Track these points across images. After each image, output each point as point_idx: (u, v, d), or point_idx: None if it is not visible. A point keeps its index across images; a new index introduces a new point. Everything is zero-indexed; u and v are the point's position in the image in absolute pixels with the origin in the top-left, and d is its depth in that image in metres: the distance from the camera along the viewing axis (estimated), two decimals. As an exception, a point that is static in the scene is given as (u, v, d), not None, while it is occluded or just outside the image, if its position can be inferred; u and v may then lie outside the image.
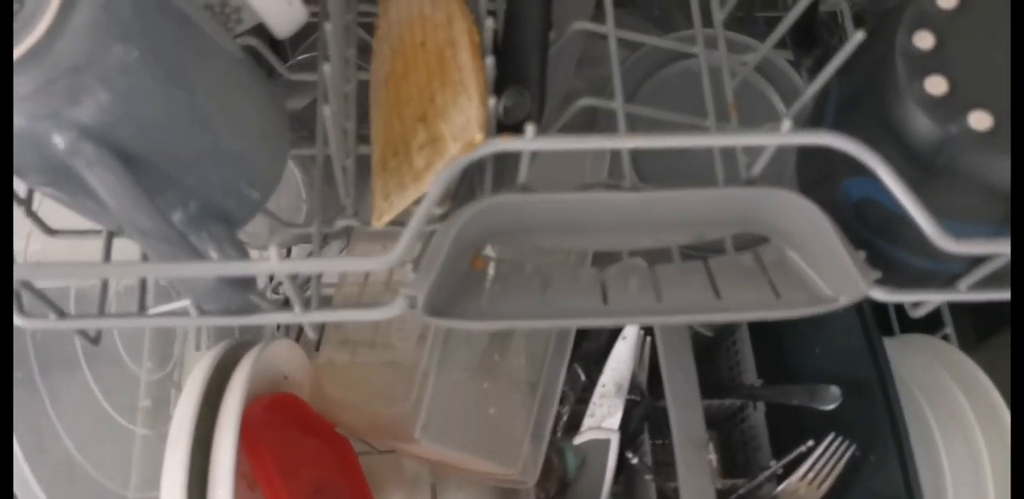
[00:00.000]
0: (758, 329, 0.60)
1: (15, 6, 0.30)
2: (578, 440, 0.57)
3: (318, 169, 0.42)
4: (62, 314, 0.35)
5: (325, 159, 0.42)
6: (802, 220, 0.35)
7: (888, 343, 0.53)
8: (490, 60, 0.38)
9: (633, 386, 0.56)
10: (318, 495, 0.60)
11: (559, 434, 0.58)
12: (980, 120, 0.30)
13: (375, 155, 0.43)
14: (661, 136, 0.32)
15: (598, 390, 0.56)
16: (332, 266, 0.32)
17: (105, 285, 0.38)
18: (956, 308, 0.60)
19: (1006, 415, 0.50)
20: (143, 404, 0.61)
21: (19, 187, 0.39)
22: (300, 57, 0.63)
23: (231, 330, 0.71)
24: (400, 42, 0.42)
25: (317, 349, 0.67)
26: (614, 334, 0.57)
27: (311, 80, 0.45)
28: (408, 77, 0.41)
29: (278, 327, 0.74)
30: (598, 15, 0.46)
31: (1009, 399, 0.49)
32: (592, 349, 0.58)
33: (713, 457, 0.51)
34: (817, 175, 0.38)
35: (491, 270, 0.39)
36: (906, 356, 0.53)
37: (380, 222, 0.40)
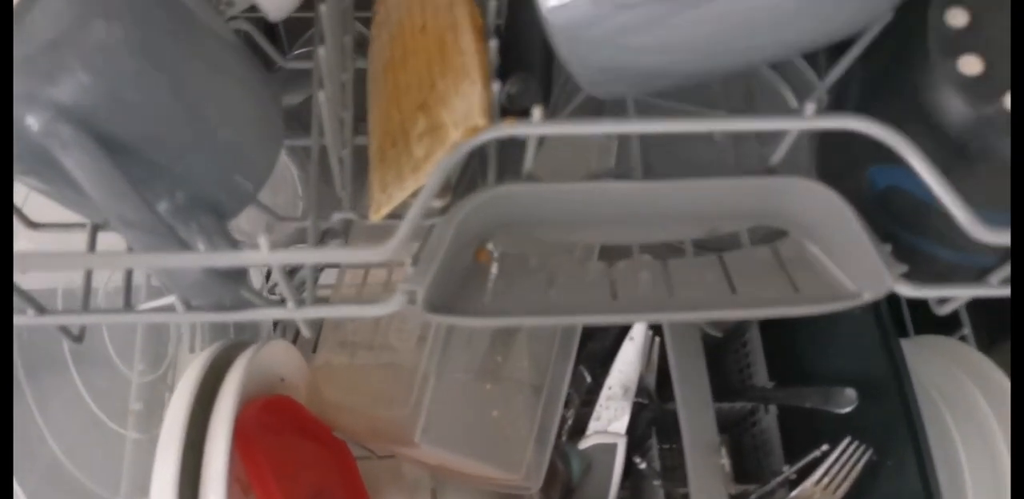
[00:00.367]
0: (769, 330, 0.58)
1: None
2: (583, 444, 0.55)
3: (313, 161, 0.41)
4: (41, 309, 0.33)
5: (321, 150, 0.41)
6: (824, 211, 0.34)
7: (904, 344, 0.51)
8: (493, 43, 0.36)
9: (640, 388, 0.54)
10: (314, 501, 0.58)
11: (563, 438, 0.56)
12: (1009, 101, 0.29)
13: (373, 146, 0.41)
14: (677, 120, 0.30)
15: (604, 392, 0.54)
16: (325, 257, 0.31)
17: (89, 279, 0.37)
18: (972, 308, 0.58)
19: (1029, 419, 0.48)
20: (134, 407, 0.59)
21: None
22: (298, 51, 0.61)
23: (226, 331, 0.69)
24: (399, 28, 0.41)
25: (314, 350, 0.65)
26: (621, 335, 0.55)
27: (307, 69, 0.43)
28: (407, 63, 0.40)
29: (274, 327, 0.72)
30: None
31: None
32: (598, 350, 0.57)
33: (726, 462, 0.49)
34: (839, 164, 0.36)
35: (494, 264, 0.37)
36: (923, 358, 0.51)
37: (378, 215, 0.38)
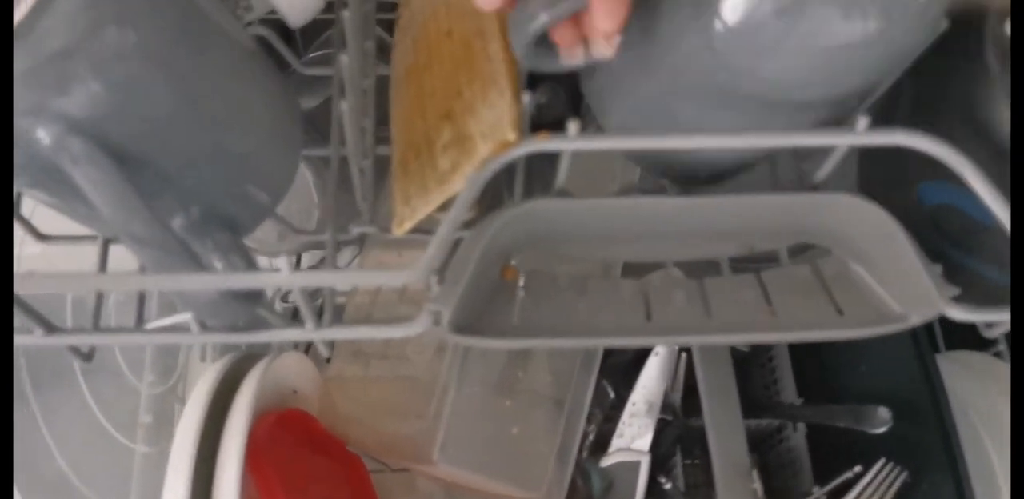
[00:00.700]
0: (797, 344, 0.57)
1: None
2: (605, 462, 0.53)
3: (332, 171, 0.39)
4: (51, 329, 0.32)
5: (340, 160, 0.39)
6: (871, 229, 0.32)
7: (938, 361, 0.49)
8: None
9: (665, 405, 0.53)
10: (327, 517, 0.57)
11: (584, 454, 0.54)
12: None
13: (395, 156, 0.39)
14: (718, 136, 0.28)
15: (628, 409, 0.53)
16: (351, 280, 0.29)
17: (100, 297, 0.35)
18: (1007, 323, 0.56)
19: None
20: (144, 420, 0.58)
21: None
22: (313, 54, 0.60)
23: (237, 341, 0.67)
24: (423, 31, 0.39)
25: (328, 361, 0.64)
26: (644, 349, 0.54)
27: (325, 75, 0.41)
28: (432, 69, 0.38)
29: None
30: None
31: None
32: (621, 364, 0.55)
33: (758, 486, 0.47)
34: (884, 178, 0.34)
35: (521, 282, 0.36)
36: (958, 375, 0.49)
37: (401, 229, 0.37)
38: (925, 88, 0.31)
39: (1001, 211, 0.27)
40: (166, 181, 0.31)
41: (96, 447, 0.55)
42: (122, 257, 0.37)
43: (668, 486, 0.51)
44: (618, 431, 0.53)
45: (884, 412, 0.48)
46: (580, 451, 0.54)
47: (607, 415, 0.55)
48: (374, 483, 0.62)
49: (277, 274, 0.27)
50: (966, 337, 0.54)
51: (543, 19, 0.28)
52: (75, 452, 0.53)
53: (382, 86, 0.41)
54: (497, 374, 0.54)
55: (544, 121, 0.36)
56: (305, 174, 0.57)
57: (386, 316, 0.67)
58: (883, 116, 0.33)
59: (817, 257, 0.35)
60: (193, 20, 0.31)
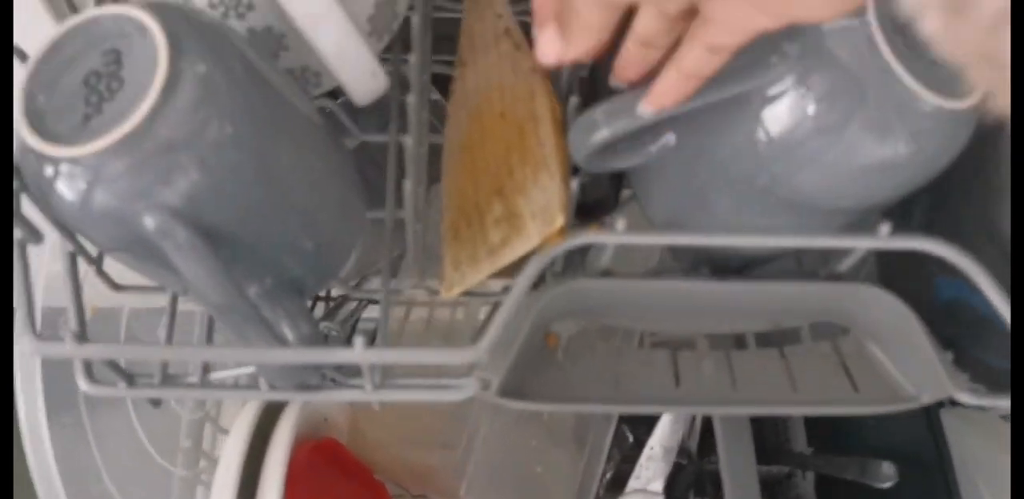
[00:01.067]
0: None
1: (113, 84, 0.30)
2: (621, 501, 0.56)
3: (387, 233, 0.42)
4: (132, 382, 0.35)
5: (396, 222, 0.42)
6: (888, 316, 0.35)
7: (943, 417, 0.52)
8: (573, 100, 0.37)
9: (682, 449, 0.55)
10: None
11: (601, 493, 0.57)
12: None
13: (445, 222, 0.42)
14: (755, 237, 0.31)
15: (646, 452, 0.55)
16: (416, 357, 0.32)
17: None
18: (1010, 379, 0.59)
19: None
20: (184, 444, 0.61)
21: (90, 247, 0.39)
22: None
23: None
24: (477, 111, 0.42)
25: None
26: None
27: (382, 141, 0.44)
28: (485, 147, 0.41)
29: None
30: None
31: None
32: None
33: (770, 538, 0.50)
34: (904, 269, 0.37)
35: (562, 349, 0.39)
36: (962, 432, 0.52)
37: (450, 293, 0.40)
38: (942, 190, 0.34)
39: (1007, 310, 0.30)
40: (247, 253, 0.34)
41: (139, 470, 0.58)
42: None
43: (682, 527, 0.54)
44: (635, 472, 0.56)
45: (889, 467, 0.50)
46: (598, 490, 0.57)
47: (625, 456, 0.58)
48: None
49: (350, 351, 0.30)
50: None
51: (604, 134, 0.31)
52: (121, 474, 0.56)
53: (433, 152, 0.44)
54: (526, 413, 0.57)
55: (588, 199, 0.39)
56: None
57: (415, 344, 0.70)
58: (903, 214, 0.36)
59: (837, 335, 0.38)
60: (276, 107, 0.34)
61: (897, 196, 0.32)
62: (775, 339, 0.39)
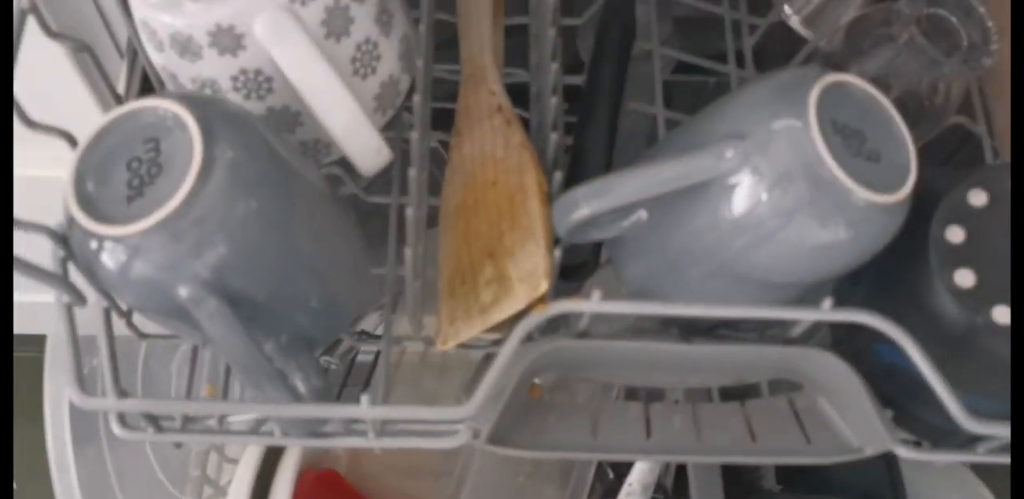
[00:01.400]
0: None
1: (153, 169, 0.34)
2: (602, 533, 0.60)
3: (388, 288, 0.46)
4: (159, 428, 0.39)
5: (396, 278, 0.46)
6: (834, 376, 0.39)
7: (903, 462, 0.56)
8: (558, 176, 0.42)
9: (658, 486, 0.59)
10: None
11: (584, 524, 0.61)
12: (1003, 314, 0.34)
13: (442, 279, 0.46)
14: (715, 307, 0.35)
15: (625, 488, 0.59)
16: (420, 414, 0.36)
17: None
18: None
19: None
20: (193, 474, 0.65)
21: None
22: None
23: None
24: (472, 178, 0.46)
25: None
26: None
27: (385, 203, 0.48)
28: (479, 212, 0.45)
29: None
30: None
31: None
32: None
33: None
34: (851, 335, 0.41)
35: (545, 400, 0.43)
36: (921, 477, 0.56)
37: (445, 346, 0.44)
38: (883, 269, 0.38)
39: (936, 385, 0.34)
40: (264, 313, 0.38)
41: (152, 497, 0.62)
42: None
43: (658, 559, 0.58)
44: (616, 507, 0.60)
45: (850, 506, 0.54)
46: (581, 522, 0.60)
47: (607, 490, 0.61)
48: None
49: (357, 407, 0.34)
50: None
51: (584, 212, 0.35)
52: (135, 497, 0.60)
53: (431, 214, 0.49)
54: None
55: (571, 263, 0.43)
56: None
57: (410, 377, 0.74)
58: (851, 281, 0.40)
59: (792, 391, 0.42)
60: (293, 182, 0.38)
61: (840, 273, 0.36)
62: (737, 393, 0.43)
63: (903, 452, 0.38)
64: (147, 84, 0.46)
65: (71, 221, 0.35)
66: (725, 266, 0.36)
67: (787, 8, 0.47)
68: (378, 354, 0.74)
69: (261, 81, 0.41)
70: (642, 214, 0.38)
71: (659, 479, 0.59)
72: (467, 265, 0.44)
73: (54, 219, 0.36)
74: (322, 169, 0.46)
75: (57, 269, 0.36)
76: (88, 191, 0.34)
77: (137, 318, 0.45)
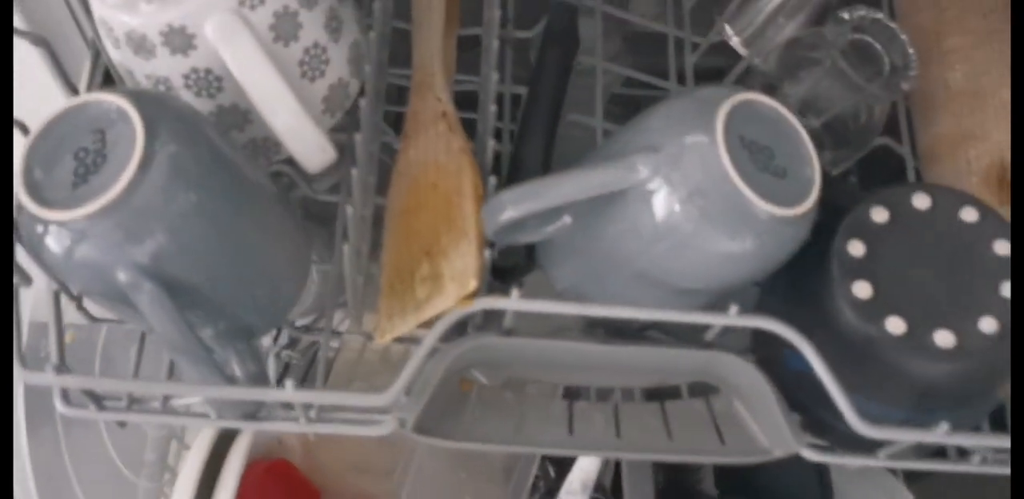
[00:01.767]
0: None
1: (98, 159, 0.36)
2: (542, 530, 0.61)
3: (331, 284, 0.48)
4: (101, 407, 0.41)
5: (338, 275, 0.48)
6: (745, 380, 0.41)
7: (835, 469, 0.57)
8: (492, 180, 0.44)
9: (598, 485, 0.61)
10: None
11: (525, 521, 0.63)
12: (896, 325, 0.36)
13: (384, 276, 0.48)
14: (629, 309, 0.37)
15: (565, 486, 0.61)
16: (342, 399, 0.38)
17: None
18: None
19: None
20: (148, 457, 0.66)
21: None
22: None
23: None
24: (415, 181, 0.48)
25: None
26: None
27: (334, 201, 0.50)
28: (419, 214, 0.47)
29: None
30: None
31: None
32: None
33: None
34: (766, 340, 0.43)
35: (474, 394, 0.44)
36: (852, 484, 0.58)
37: (383, 339, 0.45)
38: (794, 276, 0.40)
39: (834, 392, 0.36)
40: (204, 302, 0.40)
41: (107, 481, 0.63)
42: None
43: (594, 557, 0.59)
44: (555, 505, 0.61)
45: (780, 510, 0.56)
46: (521, 518, 0.62)
47: (548, 489, 0.63)
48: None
49: (283, 391, 0.36)
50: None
51: (510, 214, 0.37)
52: (90, 484, 0.61)
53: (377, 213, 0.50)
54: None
55: (505, 264, 0.45)
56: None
57: (369, 374, 0.76)
58: (769, 291, 0.42)
59: (710, 394, 0.44)
60: (235, 179, 0.40)
61: (749, 280, 0.38)
62: (658, 394, 0.45)
63: (809, 454, 0.40)
64: (109, 79, 0.48)
65: (19, 207, 0.36)
66: (642, 271, 0.38)
67: (728, 28, 0.49)
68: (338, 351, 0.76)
69: (211, 80, 0.43)
70: (567, 219, 0.40)
71: (599, 479, 0.61)
72: (406, 263, 0.46)
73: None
74: (272, 167, 0.48)
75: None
76: (36, 178, 0.36)
77: (90, 304, 0.47)
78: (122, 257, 0.36)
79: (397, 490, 0.61)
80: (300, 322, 0.75)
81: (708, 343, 0.41)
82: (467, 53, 0.53)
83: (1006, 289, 0.36)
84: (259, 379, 0.41)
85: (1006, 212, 0.41)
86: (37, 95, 0.48)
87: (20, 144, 0.37)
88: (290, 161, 0.48)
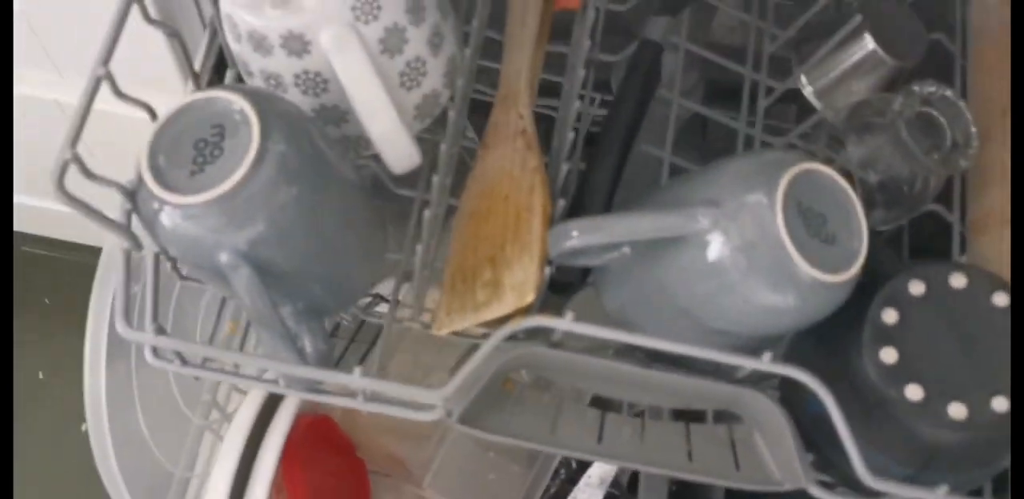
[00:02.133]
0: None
1: (216, 151, 0.40)
2: (557, 517, 0.66)
3: (399, 276, 0.52)
4: (184, 362, 0.45)
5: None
6: (767, 416, 0.44)
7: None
8: (561, 202, 0.47)
9: (615, 481, 0.65)
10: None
11: (543, 504, 0.67)
12: (915, 392, 0.38)
13: (447, 273, 0.51)
14: (670, 343, 0.40)
15: (584, 479, 0.65)
16: (402, 392, 0.42)
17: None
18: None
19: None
20: (205, 398, 0.72)
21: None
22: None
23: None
24: (489, 189, 0.51)
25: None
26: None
27: (411, 195, 0.54)
28: (489, 220, 0.50)
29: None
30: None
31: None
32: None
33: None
34: (793, 382, 0.46)
35: (516, 393, 0.48)
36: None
37: (440, 331, 0.49)
38: (827, 332, 0.42)
39: (848, 444, 0.39)
40: (286, 282, 0.44)
41: (167, 415, 0.69)
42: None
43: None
44: (572, 495, 0.66)
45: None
46: (540, 501, 0.67)
47: (569, 477, 0.67)
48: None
49: (350, 376, 0.40)
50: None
51: (574, 243, 0.40)
52: (152, 415, 0.67)
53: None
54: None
55: (561, 279, 0.48)
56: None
57: (413, 344, 0.80)
58: (796, 340, 0.45)
59: (732, 422, 0.47)
60: (329, 174, 0.43)
61: (786, 332, 0.41)
62: (685, 416, 0.48)
63: (816, 492, 0.43)
64: (221, 62, 0.51)
65: (140, 183, 0.41)
66: (686, 308, 0.41)
67: (803, 78, 0.51)
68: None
69: (319, 82, 0.46)
70: (626, 250, 0.43)
71: (616, 476, 0.65)
72: (470, 265, 0.50)
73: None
74: (359, 161, 0.52)
75: (123, 219, 0.42)
76: (159, 162, 0.40)
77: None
78: (225, 241, 0.40)
79: (428, 459, 0.66)
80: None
81: (738, 380, 0.44)
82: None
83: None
84: (326, 356, 0.45)
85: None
86: (152, 72, 0.52)
87: (147, 127, 0.41)
88: (375, 157, 0.52)
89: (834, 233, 0.38)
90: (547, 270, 0.45)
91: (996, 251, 0.46)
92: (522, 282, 0.46)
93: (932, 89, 0.43)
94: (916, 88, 0.43)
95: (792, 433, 0.43)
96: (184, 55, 0.48)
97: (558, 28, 0.55)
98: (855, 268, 0.38)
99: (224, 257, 0.40)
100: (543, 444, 0.47)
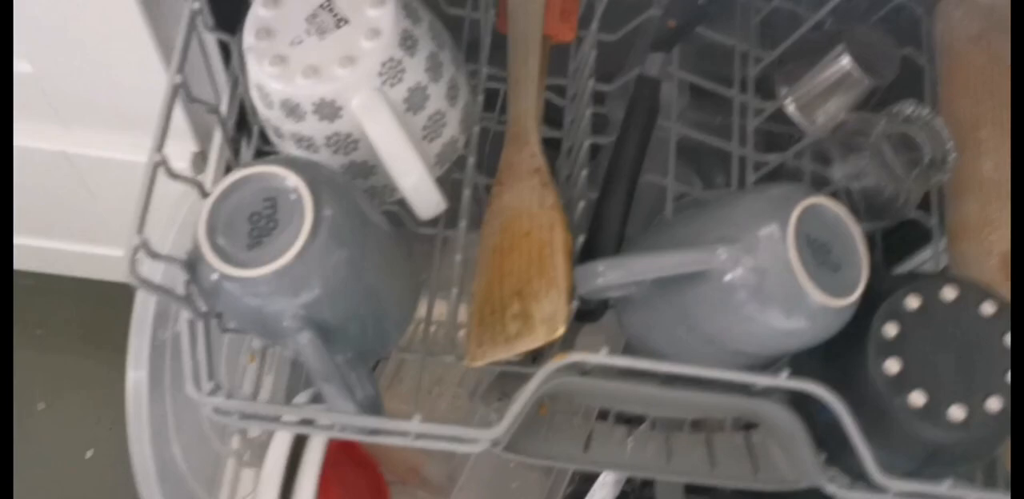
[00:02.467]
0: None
1: (270, 224, 0.43)
2: (576, 515, 0.71)
3: (428, 312, 0.56)
4: (244, 418, 0.49)
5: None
6: (782, 423, 0.49)
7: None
8: (581, 238, 0.51)
9: (629, 479, 0.70)
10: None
11: (562, 504, 0.72)
12: (917, 398, 0.44)
13: (475, 304, 0.55)
14: (692, 368, 0.45)
15: (600, 479, 0.70)
16: (459, 432, 0.45)
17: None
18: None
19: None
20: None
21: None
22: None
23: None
24: (509, 224, 0.55)
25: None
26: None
27: (433, 234, 0.57)
28: (512, 255, 0.54)
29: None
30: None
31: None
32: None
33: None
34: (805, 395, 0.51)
35: (550, 417, 0.53)
36: None
37: (472, 364, 0.53)
38: (834, 349, 0.47)
39: (860, 448, 0.44)
40: (339, 335, 0.47)
41: (198, 441, 0.72)
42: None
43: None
44: (589, 494, 0.70)
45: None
46: (560, 502, 0.71)
47: (584, 478, 0.72)
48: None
49: (408, 423, 0.44)
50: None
51: (601, 281, 0.44)
52: (185, 441, 0.70)
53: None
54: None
55: (585, 308, 0.52)
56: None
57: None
58: (808, 355, 0.50)
59: (750, 429, 0.52)
60: (368, 229, 0.47)
61: (799, 350, 0.46)
62: (704, 426, 0.53)
63: (830, 488, 0.48)
64: (242, 118, 0.54)
65: (198, 256, 0.43)
66: (706, 334, 0.46)
67: (788, 97, 0.55)
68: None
69: (350, 141, 0.49)
70: (647, 283, 0.47)
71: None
72: (497, 299, 0.54)
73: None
74: (384, 207, 0.55)
75: (183, 290, 0.45)
76: (217, 239, 0.43)
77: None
78: (287, 308, 0.43)
79: (453, 473, 0.70)
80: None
81: (754, 393, 0.49)
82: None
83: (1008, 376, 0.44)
84: (376, 402, 0.48)
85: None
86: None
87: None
88: (399, 202, 0.55)
89: (838, 261, 0.43)
90: (574, 303, 0.49)
91: (973, 257, 0.52)
92: (551, 316, 0.49)
93: (911, 109, 0.48)
94: (896, 110, 0.48)
95: (807, 438, 0.48)
96: (224, 135, 0.51)
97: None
98: (858, 292, 0.43)
99: (285, 323, 0.43)
100: (579, 464, 0.52)
